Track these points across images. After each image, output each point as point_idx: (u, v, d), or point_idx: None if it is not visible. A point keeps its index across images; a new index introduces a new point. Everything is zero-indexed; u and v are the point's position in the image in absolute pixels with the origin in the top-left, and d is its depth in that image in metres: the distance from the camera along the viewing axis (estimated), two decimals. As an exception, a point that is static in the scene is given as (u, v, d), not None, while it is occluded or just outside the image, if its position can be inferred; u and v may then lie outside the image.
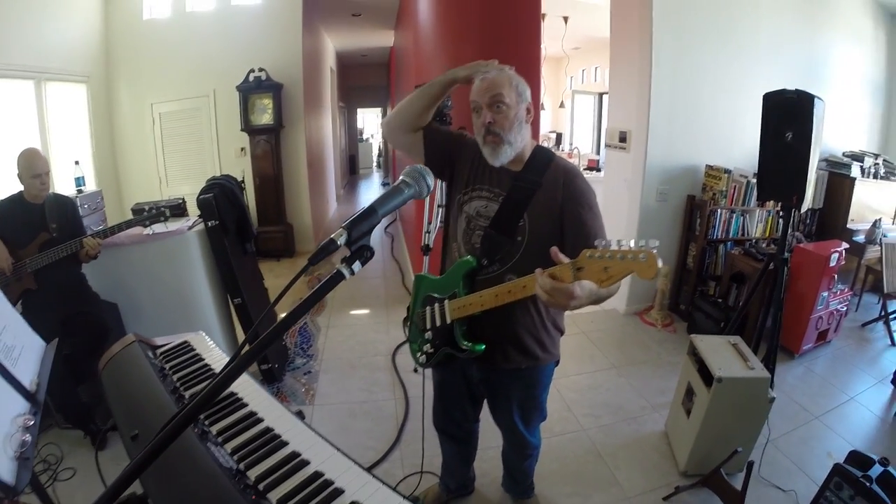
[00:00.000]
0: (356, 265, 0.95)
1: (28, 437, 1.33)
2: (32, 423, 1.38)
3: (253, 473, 1.13)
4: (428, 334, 1.89)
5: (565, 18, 7.04)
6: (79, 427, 3.26)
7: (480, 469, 2.70)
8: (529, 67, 3.79)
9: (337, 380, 3.81)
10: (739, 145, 4.13)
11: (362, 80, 14.69)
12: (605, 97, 6.67)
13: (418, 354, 1.99)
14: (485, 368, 1.95)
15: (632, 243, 1.17)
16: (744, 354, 2.62)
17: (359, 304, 5.28)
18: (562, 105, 9.93)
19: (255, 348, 0.93)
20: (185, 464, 1.11)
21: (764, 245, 4.16)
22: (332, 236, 0.92)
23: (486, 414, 2.22)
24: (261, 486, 1.09)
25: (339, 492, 1.08)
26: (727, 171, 4.14)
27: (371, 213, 0.99)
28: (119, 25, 6.76)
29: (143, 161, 7.16)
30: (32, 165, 2.98)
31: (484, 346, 1.76)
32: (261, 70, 6.45)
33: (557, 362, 2.02)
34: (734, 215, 4.22)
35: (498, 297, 1.61)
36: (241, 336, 3.84)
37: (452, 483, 2.56)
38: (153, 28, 6.77)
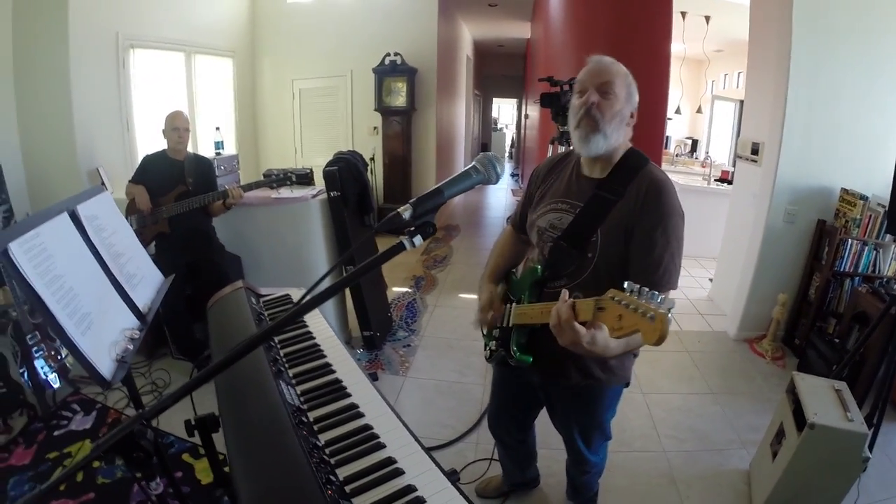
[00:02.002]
0: (417, 238, 1.02)
1: (130, 347, 1.59)
2: (137, 336, 1.65)
3: (312, 414, 1.27)
4: (496, 331, 1.85)
5: (707, 18, 6.66)
6: (189, 359, 3.76)
7: (549, 469, 2.71)
8: (657, 67, 3.69)
9: (433, 357, 3.95)
10: (882, 170, 3.67)
11: (499, 69, 14.83)
12: (745, 104, 6.26)
13: (485, 348, 1.94)
14: (544, 377, 1.86)
15: (658, 298, 0.98)
16: (845, 403, 2.37)
17: (469, 289, 5.39)
18: (699, 110, 9.43)
19: (314, 298, 1.03)
20: (255, 394, 1.27)
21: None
22: (398, 210, 1.01)
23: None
24: (316, 427, 1.22)
25: (381, 446, 1.18)
26: (864, 198, 3.74)
27: (437, 194, 1.06)
28: (265, 6, 7.46)
29: (281, 132, 7.81)
30: (173, 120, 3.48)
31: (531, 359, 1.65)
32: (396, 54, 6.75)
33: (627, 384, 1.85)
34: (866, 248, 3.81)
35: (542, 315, 1.45)
36: (349, 299, 4.03)
37: (508, 481, 2.60)
38: (296, 10, 7.38)
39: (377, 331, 3.96)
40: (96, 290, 1.63)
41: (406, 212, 1.01)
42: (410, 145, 7.13)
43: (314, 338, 1.64)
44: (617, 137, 1.56)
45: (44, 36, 4.88)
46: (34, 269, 1.39)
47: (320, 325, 1.72)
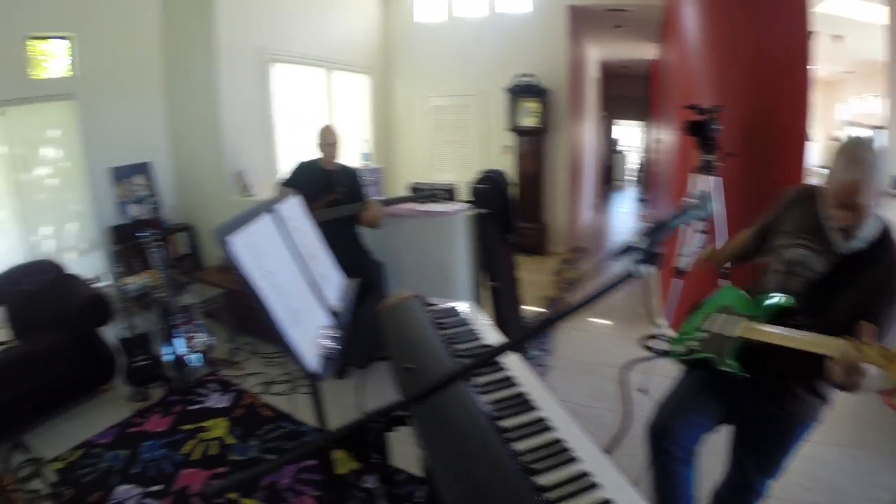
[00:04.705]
0: (645, 267, 1.08)
1: (331, 344, 1.70)
2: (334, 334, 1.75)
3: (503, 424, 1.31)
4: (703, 333, 1.93)
5: (838, 37, 6.26)
6: None
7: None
8: (795, 91, 3.55)
9: (565, 378, 3.97)
10: None
11: (622, 90, 14.53)
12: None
13: (680, 344, 2.02)
14: (743, 391, 1.89)
15: None
16: None
17: (599, 313, 5.33)
18: (833, 138, 8.83)
19: (540, 325, 1.08)
20: (451, 398, 1.35)
21: None
22: (630, 240, 1.08)
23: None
24: (508, 436, 1.27)
25: (574, 459, 1.22)
26: None
27: (662, 226, 1.13)
28: (396, 26, 7.88)
29: (414, 146, 8.20)
30: (326, 136, 3.79)
31: (745, 373, 1.75)
32: (529, 75, 6.80)
33: (816, 424, 1.90)
34: None
35: (795, 341, 1.57)
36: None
37: None
38: (426, 29, 7.73)
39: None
40: (298, 287, 1.74)
41: (639, 241, 1.08)
42: (542, 165, 7.12)
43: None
44: (871, 227, 1.66)
45: (194, 49, 5.48)
46: (251, 263, 1.49)
47: (496, 339, 1.77)
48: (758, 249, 2.04)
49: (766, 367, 1.74)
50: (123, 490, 3.13)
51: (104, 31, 5.34)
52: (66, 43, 5.20)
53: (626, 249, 1.09)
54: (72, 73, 5.25)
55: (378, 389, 3.15)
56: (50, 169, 5.31)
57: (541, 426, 1.32)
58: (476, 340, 1.75)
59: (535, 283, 5.93)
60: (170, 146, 6.09)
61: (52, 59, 5.22)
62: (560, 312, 1.10)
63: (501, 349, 1.08)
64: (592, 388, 3.83)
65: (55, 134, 5.29)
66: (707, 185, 3.46)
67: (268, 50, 5.88)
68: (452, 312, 1.96)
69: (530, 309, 5.12)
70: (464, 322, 1.88)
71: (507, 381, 1.51)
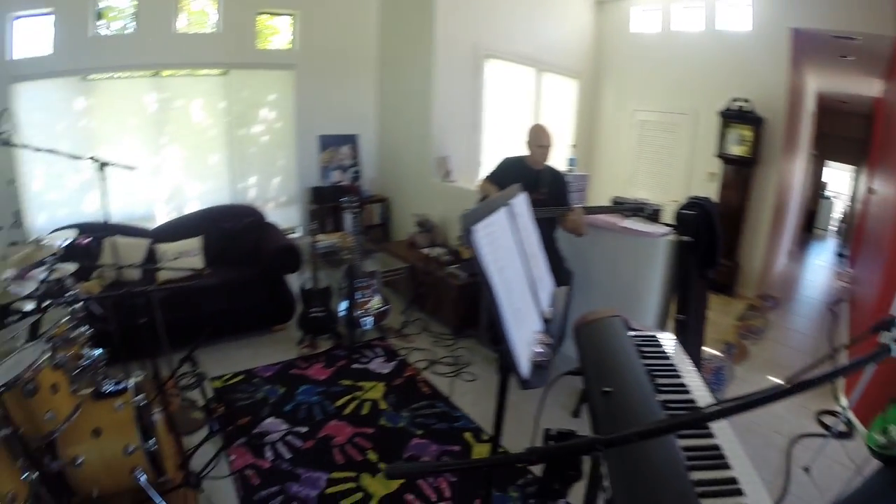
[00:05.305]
0: None
1: (543, 350, 1.62)
2: (546, 341, 1.69)
3: (693, 475, 1.23)
4: None
5: None
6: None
7: None
8: None
9: None
10: None
11: (837, 128, 13.07)
12: None
13: (880, 432, 1.87)
14: None
15: None
16: None
17: (779, 372, 4.83)
18: None
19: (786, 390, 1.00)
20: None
21: None
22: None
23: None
24: (696, 489, 1.19)
25: None
26: None
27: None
28: (609, 34, 7.72)
29: (615, 158, 8.05)
30: (539, 137, 3.74)
31: None
32: (744, 99, 6.27)
33: None
34: None
35: None
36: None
37: None
38: (640, 41, 7.45)
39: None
40: (521, 286, 1.71)
41: None
42: (746, 199, 6.54)
43: (689, 392, 1.62)
44: None
45: (412, 38, 5.88)
46: (489, 256, 1.46)
47: (695, 381, 1.68)
48: None
49: None
50: (271, 422, 3.46)
51: (326, 11, 5.95)
52: (290, 19, 5.86)
53: (890, 323, 1.01)
54: (292, 46, 5.94)
55: (556, 402, 3.19)
56: (263, 127, 6.02)
57: (732, 488, 1.23)
58: (677, 377, 1.68)
59: (717, 323, 5.59)
60: (378, 123, 6.59)
61: (277, 33, 5.95)
62: (798, 386, 1.01)
63: (728, 412, 1.01)
64: (754, 451, 3.49)
65: (272, 98, 6.00)
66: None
67: (483, 46, 6.09)
68: (654, 342, 1.89)
69: (709, 350, 4.89)
70: (665, 355, 1.81)
71: (705, 430, 1.43)
